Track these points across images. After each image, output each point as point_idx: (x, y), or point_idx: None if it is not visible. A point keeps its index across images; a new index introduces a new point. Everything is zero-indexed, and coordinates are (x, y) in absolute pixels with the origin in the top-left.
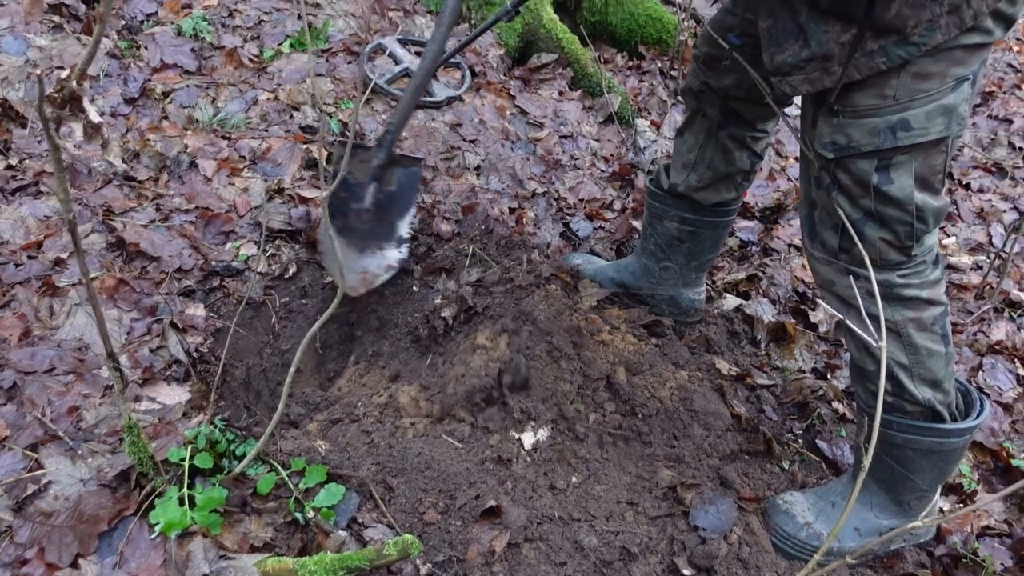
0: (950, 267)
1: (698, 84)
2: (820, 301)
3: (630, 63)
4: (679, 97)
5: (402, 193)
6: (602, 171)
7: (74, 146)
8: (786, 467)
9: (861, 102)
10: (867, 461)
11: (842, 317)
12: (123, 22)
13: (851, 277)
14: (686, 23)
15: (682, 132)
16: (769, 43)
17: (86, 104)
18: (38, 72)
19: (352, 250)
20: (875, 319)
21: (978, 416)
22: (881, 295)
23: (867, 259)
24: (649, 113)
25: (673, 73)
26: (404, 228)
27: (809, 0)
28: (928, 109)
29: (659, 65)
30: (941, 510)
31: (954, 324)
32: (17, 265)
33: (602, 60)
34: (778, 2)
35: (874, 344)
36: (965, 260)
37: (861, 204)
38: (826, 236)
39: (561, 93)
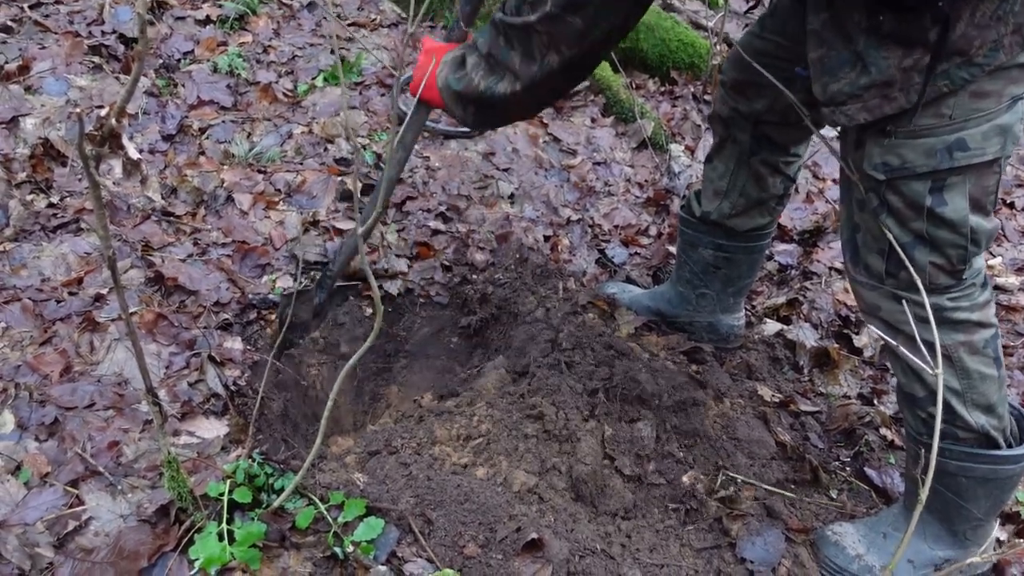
0: (997, 288)
1: (727, 111)
2: (869, 325)
3: (662, 88)
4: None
5: None
6: (637, 197)
7: (113, 183)
8: (834, 496)
9: (917, 122)
10: (924, 493)
11: (892, 342)
12: (160, 61)
13: (898, 302)
14: (718, 47)
15: (711, 159)
16: (821, 73)
17: (125, 141)
18: (77, 111)
19: None
20: (925, 344)
21: (1017, 442)
22: (934, 319)
23: (920, 283)
24: (683, 138)
25: (707, 98)
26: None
27: (868, 26)
28: (984, 129)
29: (692, 90)
30: (998, 540)
31: (1004, 347)
32: (58, 301)
33: (634, 86)
34: (831, 31)
35: (929, 371)
36: (1013, 280)
37: (912, 227)
38: (871, 260)
39: (593, 120)
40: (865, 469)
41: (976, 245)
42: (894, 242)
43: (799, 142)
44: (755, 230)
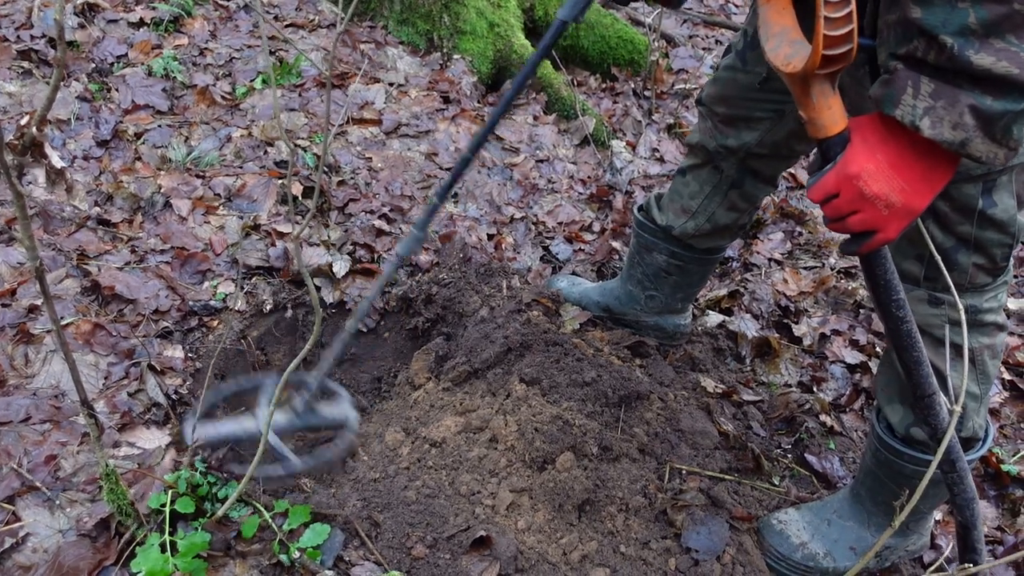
0: None
1: (714, 144)
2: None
3: (603, 85)
4: (653, 118)
5: None
6: (580, 193)
7: (45, 191)
8: (776, 483)
9: None
10: (897, 520)
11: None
12: (93, 65)
13: (933, 305)
14: (656, 43)
15: (685, 173)
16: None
17: (47, 150)
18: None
19: None
20: (954, 349)
21: (984, 443)
22: (966, 321)
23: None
24: (624, 134)
25: (646, 93)
26: None
27: None
28: None
29: (632, 86)
30: (937, 521)
31: None
32: None
33: (575, 83)
34: None
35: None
36: None
37: (957, 231)
38: (907, 266)
39: (536, 118)
40: (806, 455)
41: (1018, 242)
42: (935, 247)
43: (783, 172)
44: (714, 248)
